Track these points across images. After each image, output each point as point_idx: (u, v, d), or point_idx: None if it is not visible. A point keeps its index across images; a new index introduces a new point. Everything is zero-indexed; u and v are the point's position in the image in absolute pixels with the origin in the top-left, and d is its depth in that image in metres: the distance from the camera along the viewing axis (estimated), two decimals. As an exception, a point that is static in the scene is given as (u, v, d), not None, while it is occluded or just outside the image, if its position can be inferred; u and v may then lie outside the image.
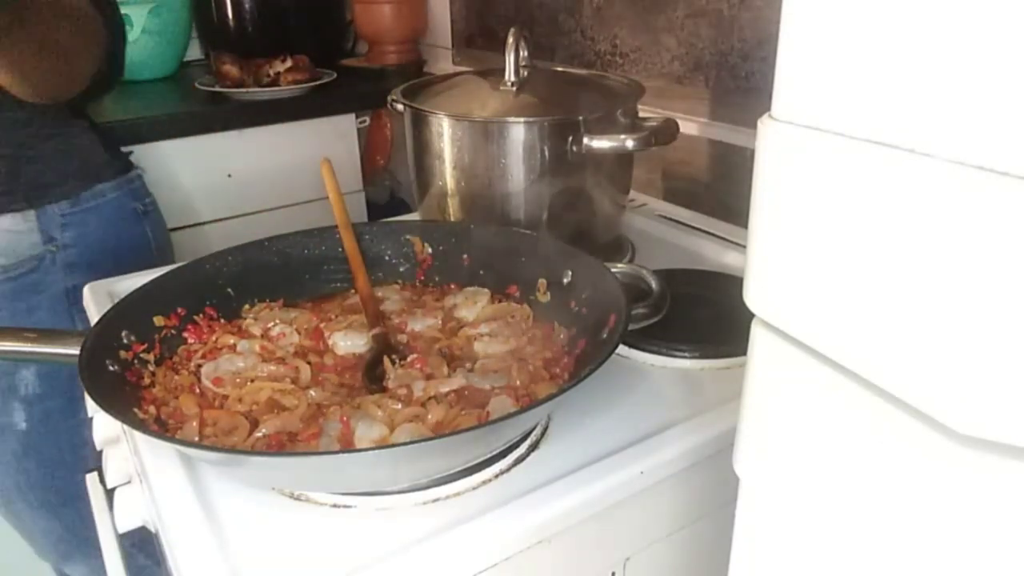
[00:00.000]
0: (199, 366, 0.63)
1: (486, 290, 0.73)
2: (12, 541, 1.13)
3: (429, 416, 0.56)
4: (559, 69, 0.97)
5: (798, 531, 0.33)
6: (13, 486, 1.01)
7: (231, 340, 0.66)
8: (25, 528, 1.08)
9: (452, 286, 0.75)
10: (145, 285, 0.66)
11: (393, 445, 0.52)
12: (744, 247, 0.32)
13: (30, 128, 0.86)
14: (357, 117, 1.56)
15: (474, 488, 0.53)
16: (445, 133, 0.80)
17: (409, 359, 0.63)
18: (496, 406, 0.57)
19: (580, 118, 0.76)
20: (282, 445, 0.55)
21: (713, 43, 1.00)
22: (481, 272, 0.74)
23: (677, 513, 0.59)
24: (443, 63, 1.63)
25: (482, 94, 0.84)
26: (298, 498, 0.53)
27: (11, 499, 1.03)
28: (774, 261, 0.30)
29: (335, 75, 1.58)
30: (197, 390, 0.61)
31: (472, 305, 0.71)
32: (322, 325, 0.69)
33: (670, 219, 0.99)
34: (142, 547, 0.68)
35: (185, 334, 0.66)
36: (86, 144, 0.95)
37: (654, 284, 0.64)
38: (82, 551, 1.07)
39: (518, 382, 0.60)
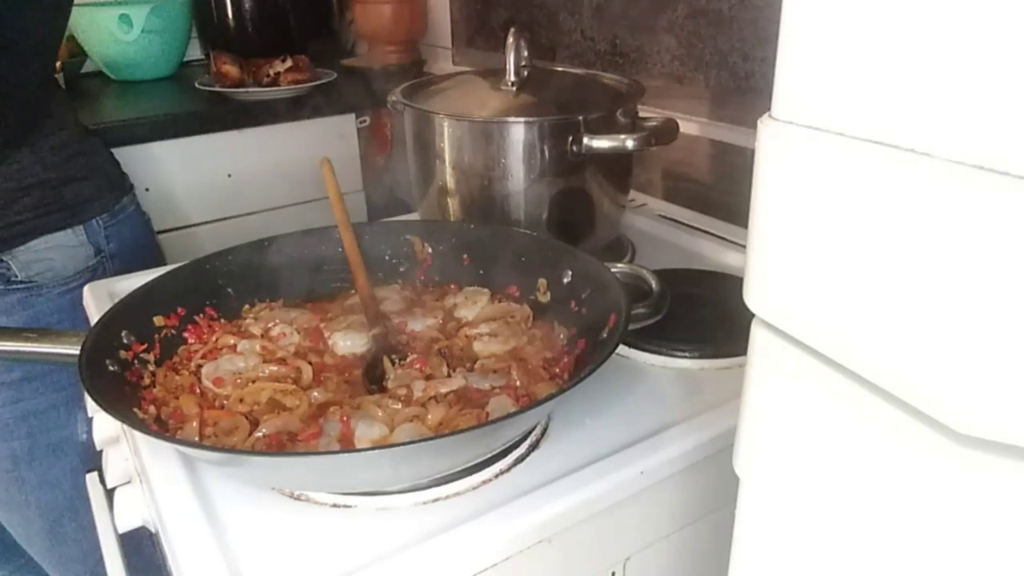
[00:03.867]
0: (199, 366, 0.63)
1: (486, 290, 0.73)
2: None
3: (429, 416, 0.56)
4: (559, 69, 0.97)
5: (798, 531, 0.33)
6: (66, 505, 1.01)
7: (231, 340, 0.66)
8: (64, 555, 1.07)
9: (452, 286, 0.75)
10: (145, 285, 0.66)
11: (393, 445, 0.52)
12: (744, 247, 0.32)
13: (67, 151, 0.92)
14: (357, 117, 1.56)
15: (474, 488, 0.53)
16: (445, 133, 0.80)
17: (409, 359, 0.63)
18: (496, 406, 0.57)
19: (580, 118, 0.76)
20: (282, 445, 0.55)
21: (713, 43, 1.00)
22: (481, 272, 0.74)
23: (677, 513, 0.59)
24: (443, 63, 1.63)
25: (482, 94, 0.84)
26: (298, 498, 0.53)
27: (61, 520, 1.02)
28: (774, 261, 0.30)
29: (335, 75, 1.58)
30: (197, 390, 0.61)
31: (472, 305, 0.71)
32: (322, 325, 0.69)
33: (670, 219, 0.99)
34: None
35: (185, 334, 0.66)
36: (107, 161, 1.00)
37: (654, 284, 0.64)
38: None
39: (518, 382, 0.60)
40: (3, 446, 0.95)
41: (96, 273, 0.94)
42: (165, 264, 1.04)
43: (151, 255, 1.04)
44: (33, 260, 0.89)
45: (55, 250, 0.90)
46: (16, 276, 0.88)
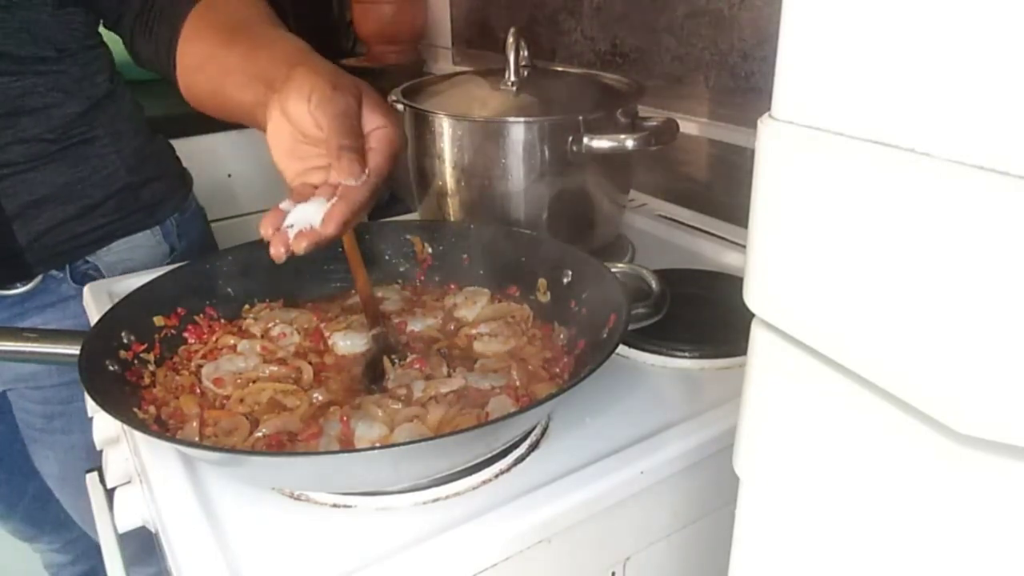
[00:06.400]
0: (199, 366, 0.63)
1: (486, 290, 0.73)
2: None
3: (429, 416, 0.56)
4: (559, 69, 0.97)
5: (798, 531, 0.33)
6: None
7: (231, 340, 0.66)
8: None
9: (452, 286, 0.75)
10: (145, 285, 0.66)
11: (393, 445, 0.52)
12: (744, 247, 0.32)
13: (142, 153, 0.94)
14: (357, 117, 1.56)
15: (474, 488, 0.53)
16: (445, 133, 0.80)
17: (409, 359, 0.63)
18: (496, 406, 0.57)
19: (580, 118, 0.76)
20: (282, 445, 0.55)
21: (713, 43, 1.00)
22: (481, 272, 0.74)
23: (677, 513, 0.59)
24: (443, 63, 1.63)
25: (482, 94, 0.84)
26: (298, 498, 0.53)
27: None
28: (774, 261, 0.30)
29: (335, 75, 1.58)
30: (198, 390, 0.61)
31: (472, 305, 0.71)
32: (322, 325, 0.69)
33: (670, 219, 0.99)
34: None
35: (185, 334, 0.66)
36: (172, 158, 1.02)
37: (654, 284, 0.64)
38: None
39: (518, 382, 0.60)
40: (80, 437, 0.97)
41: None
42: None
43: (212, 248, 1.07)
44: (116, 261, 0.92)
45: (135, 250, 0.93)
46: (103, 276, 0.91)
